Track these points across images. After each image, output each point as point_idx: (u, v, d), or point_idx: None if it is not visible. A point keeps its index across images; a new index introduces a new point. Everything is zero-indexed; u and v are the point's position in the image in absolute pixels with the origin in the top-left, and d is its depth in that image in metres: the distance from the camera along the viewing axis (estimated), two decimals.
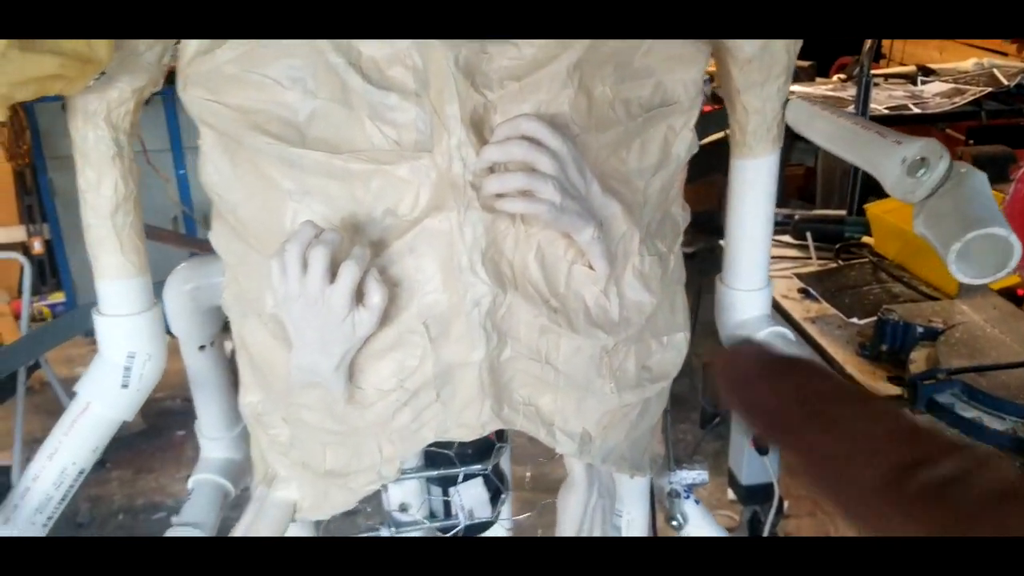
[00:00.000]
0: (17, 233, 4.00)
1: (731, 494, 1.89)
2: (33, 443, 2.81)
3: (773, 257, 1.04)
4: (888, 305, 1.60)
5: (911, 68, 3.08)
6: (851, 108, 2.43)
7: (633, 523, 1.08)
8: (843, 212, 2.40)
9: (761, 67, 0.86)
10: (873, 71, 2.46)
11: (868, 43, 2.26)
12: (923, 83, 2.93)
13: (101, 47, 0.72)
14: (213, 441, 1.10)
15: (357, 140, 0.74)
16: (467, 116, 0.71)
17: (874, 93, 2.46)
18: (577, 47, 0.72)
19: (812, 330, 1.66)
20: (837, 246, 2.02)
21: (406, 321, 0.75)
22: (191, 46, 0.76)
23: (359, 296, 0.71)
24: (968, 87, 2.82)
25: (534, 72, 0.73)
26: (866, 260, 1.96)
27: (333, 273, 0.69)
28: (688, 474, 1.09)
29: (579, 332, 0.77)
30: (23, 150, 2.93)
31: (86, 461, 0.87)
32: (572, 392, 0.80)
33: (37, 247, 4.08)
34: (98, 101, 0.80)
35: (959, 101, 2.71)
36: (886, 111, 2.65)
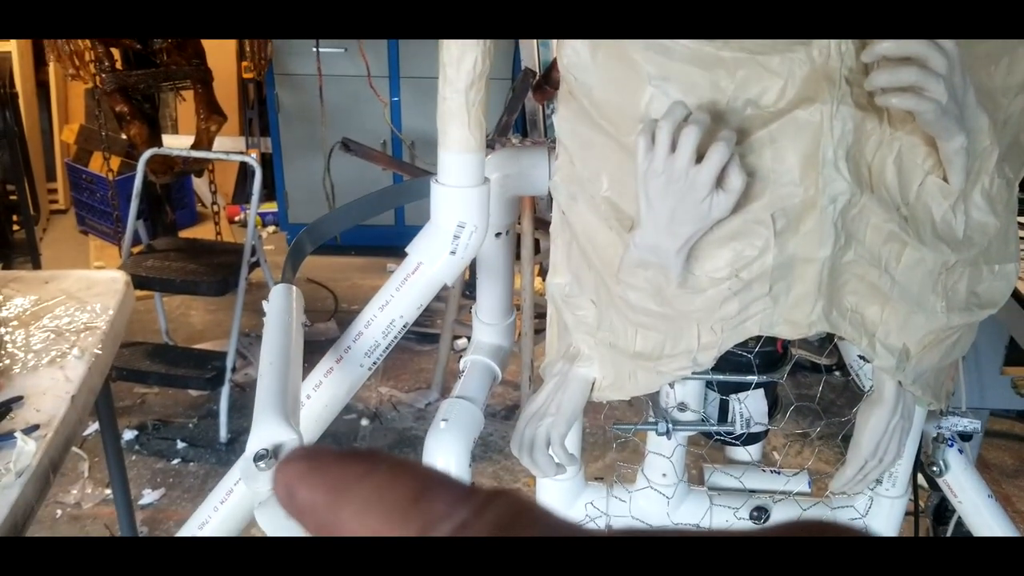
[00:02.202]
0: (237, 144, 4.31)
1: (921, 478, 1.84)
2: (242, 336, 3.04)
3: None
4: None
5: None
6: None
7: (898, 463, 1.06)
8: None
9: None
10: None
11: None
12: None
13: None
14: (487, 327, 1.17)
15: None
16: None
17: None
18: None
19: None
20: None
21: (754, 211, 0.76)
22: None
23: (719, 179, 0.73)
24: None
25: None
26: None
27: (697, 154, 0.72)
28: (960, 420, 1.07)
29: (925, 243, 0.76)
30: (263, 64, 3.14)
31: (411, 316, 0.94)
32: (902, 305, 0.80)
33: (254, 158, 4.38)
34: None
35: None
36: None
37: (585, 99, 0.83)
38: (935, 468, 1.10)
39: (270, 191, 4.06)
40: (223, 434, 2.64)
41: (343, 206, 1.04)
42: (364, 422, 2.80)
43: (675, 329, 0.84)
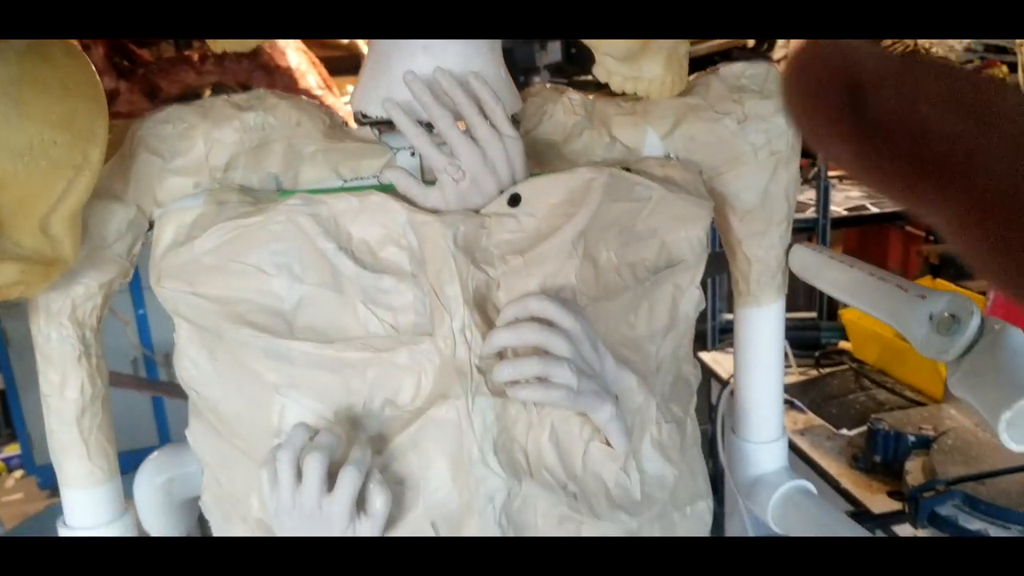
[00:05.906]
0: None
1: None
2: None
3: None
4: (876, 414, 1.57)
5: None
6: (811, 212, 2.46)
7: None
8: (813, 314, 2.39)
9: (762, 216, 0.83)
10: (831, 172, 2.49)
11: None
12: None
13: (66, 246, 0.66)
14: None
15: (350, 327, 0.69)
16: (469, 295, 0.67)
17: (832, 195, 2.49)
18: (582, 215, 0.69)
19: (802, 443, 1.61)
20: (817, 353, 1.99)
21: (412, 522, 0.68)
22: (165, 237, 0.71)
23: (359, 502, 0.64)
24: None
25: (537, 245, 0.69)
26: (847, 367, 1.93)
27: (330, 480, 0.63)
28: None
29: (601, 518, 0.70)
30: None
31: None
32: None
33: None
34: (62, 299, 0.74)
35: None
36: (845, 212, 2.68)
37: (212, 415, 0.73)
38: None
39: (12, 431, 3.62)
40: None
41: None
42: None
43: None
